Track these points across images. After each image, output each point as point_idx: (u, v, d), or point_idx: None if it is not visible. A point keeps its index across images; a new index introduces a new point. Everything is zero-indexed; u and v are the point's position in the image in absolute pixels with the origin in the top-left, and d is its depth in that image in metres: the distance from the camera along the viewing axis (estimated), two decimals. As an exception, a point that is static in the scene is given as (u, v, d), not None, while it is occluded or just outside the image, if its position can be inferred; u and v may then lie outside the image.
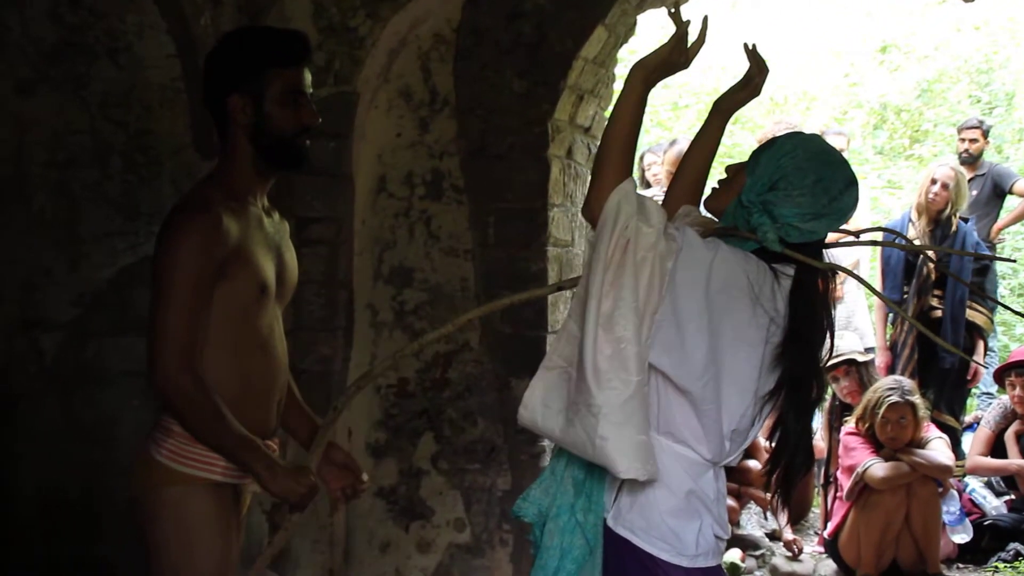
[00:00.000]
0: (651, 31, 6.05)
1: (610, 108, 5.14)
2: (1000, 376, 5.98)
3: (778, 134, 5.88)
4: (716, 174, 2.58)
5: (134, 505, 2.60)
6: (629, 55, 5.27)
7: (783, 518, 5.59)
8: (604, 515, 2.35)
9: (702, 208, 2.52)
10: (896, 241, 5.11)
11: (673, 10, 2.33)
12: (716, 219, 2.46)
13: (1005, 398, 6.18)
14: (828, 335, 2.38)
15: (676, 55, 2.29)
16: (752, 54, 2.54)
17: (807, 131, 6.91)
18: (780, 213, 2.28)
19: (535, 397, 2.31)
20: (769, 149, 2.36)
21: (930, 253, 5.74)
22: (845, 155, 6.64)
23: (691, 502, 2.34)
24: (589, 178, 2.25)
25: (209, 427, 2.51)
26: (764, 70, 2.53)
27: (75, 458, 3.94)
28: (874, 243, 3.85)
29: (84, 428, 3.95)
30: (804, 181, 2.27)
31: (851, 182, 2.33)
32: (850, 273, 2.53)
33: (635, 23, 4.61)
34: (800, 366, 2.33)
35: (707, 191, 2.54)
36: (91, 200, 3.99)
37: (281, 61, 2.64)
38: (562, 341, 2.29)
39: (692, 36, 2.34)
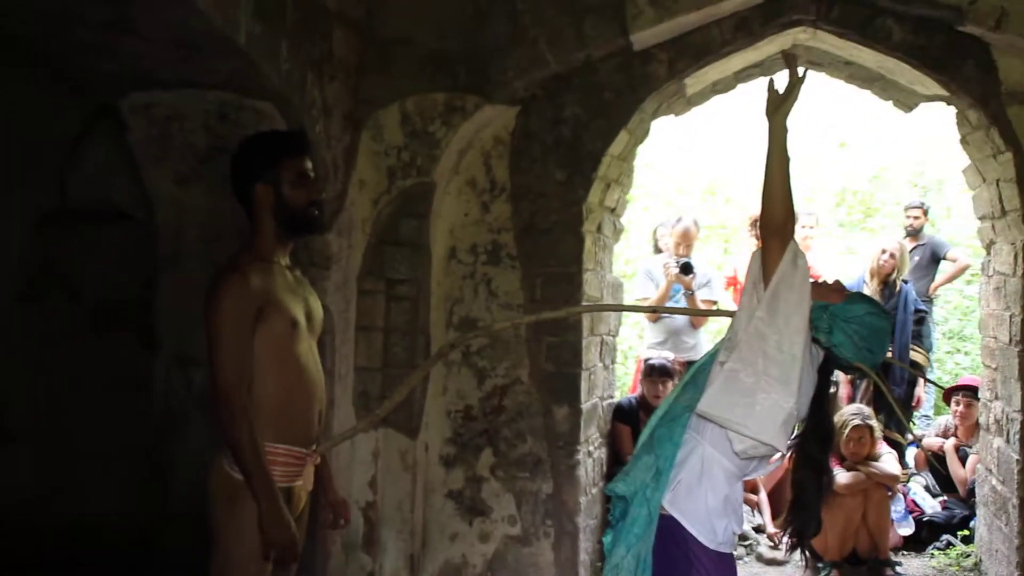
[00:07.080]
0: (660, 134, 6.08)
1: (630, 193, 5.19)
2: (948, 396, 6.05)
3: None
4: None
5: (205, 499, 2.80)
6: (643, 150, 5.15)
7: (766, 515, 5.71)
8: (663, 498, 2.51)
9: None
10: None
11: (791, 58, 2.58)
12: None
13: (941, 419, 6.24)
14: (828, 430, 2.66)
15: (797, 96, 2.52)
16: (788, 61, 2.62)
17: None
18: (837, 335, 2.54)
19: (716, 391, 2.43)
20: (870, 304, 2.60)
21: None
22: (815, 230, 7.01)
23: (726, 505, 2.53)
24: (761, 203, 2.45)
25: (244, 444, 2.66)
26: (801, 79, 2.58)
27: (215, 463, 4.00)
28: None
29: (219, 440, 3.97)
30: (864, 341, 2.54)
31: (879, 366, 2.66)
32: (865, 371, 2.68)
33: (649, 128, 4.86)
34: (823, 428, 2.61)
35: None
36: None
37: (289, 153, 2.85)
38: (742, 349, 2.41)
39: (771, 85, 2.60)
